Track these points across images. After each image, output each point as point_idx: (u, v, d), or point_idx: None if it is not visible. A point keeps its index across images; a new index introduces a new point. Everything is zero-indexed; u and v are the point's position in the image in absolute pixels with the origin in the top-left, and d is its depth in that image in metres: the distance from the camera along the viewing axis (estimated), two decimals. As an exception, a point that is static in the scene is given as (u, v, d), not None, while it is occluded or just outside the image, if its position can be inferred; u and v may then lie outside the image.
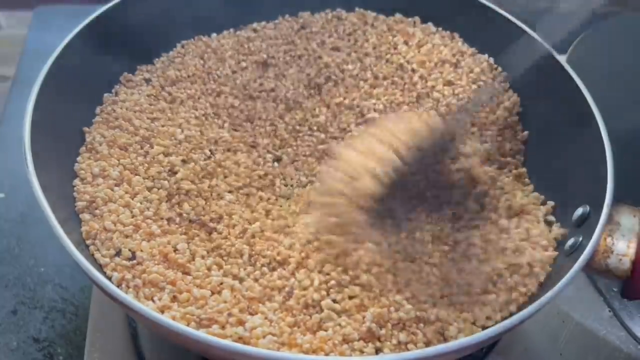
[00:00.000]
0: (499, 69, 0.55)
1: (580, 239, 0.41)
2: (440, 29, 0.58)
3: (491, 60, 0.56)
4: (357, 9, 0.61)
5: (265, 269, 0.41)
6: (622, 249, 0.41)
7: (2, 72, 0.96)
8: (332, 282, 0.39)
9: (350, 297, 0.39)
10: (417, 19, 0.59)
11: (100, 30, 0.50)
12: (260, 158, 0.49)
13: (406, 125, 0.41)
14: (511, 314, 0.39)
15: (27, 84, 0.43)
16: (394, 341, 0.37)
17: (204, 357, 0.42)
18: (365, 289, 0.39)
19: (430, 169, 0.42)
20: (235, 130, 0.50)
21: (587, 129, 0.46)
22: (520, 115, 0.52)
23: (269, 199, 0.46)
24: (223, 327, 0.37)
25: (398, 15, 0.60)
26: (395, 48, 0.57)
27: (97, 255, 0.40)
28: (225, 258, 0.41)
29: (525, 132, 0.50)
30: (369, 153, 0.40)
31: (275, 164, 0.48)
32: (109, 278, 0.39)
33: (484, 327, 0.38)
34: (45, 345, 0.50)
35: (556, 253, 0.42)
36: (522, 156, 0.50)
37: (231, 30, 0.59)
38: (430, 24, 0.59)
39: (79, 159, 0.45)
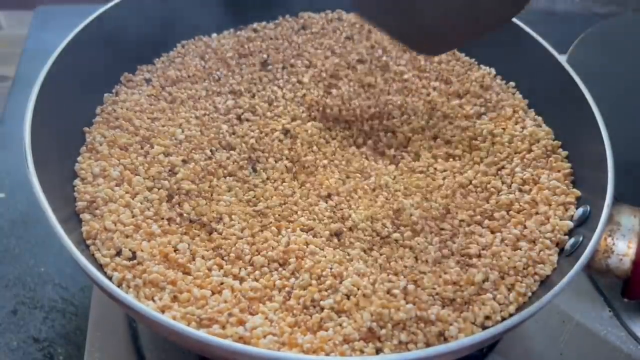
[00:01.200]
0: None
1: (581, 239, 0.41)
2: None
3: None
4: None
5: (265, 269, 0.41)
6: (622, 249, 0.41)
7: (2, 72, 0.96)
8: (328, 282, 0.39)
9: (348, 296, 0.39)
10: None
11: (100, 30, 0.50)
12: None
13: None
14: (511, 314, 0.39)
15: (27, 84, 0.43)
16: (395, 341, 0.37)
17: (204, 357, 0.42)
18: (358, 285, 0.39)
19: None
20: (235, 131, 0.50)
21: (587, 128, 0.46)
22: (521, 115, 0.52)
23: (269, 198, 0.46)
24: (223, 327, 0.37)
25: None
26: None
27: (98, 255, 0.40)
28: (225, 258, 0.41)
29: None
30: None
31: (278, 164, 0.48)
32: (110, 278, 0.39)
33: (484, 327, 0.38)
34: (45, 345, 0.50)
35: None
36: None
37: (231, 30, 0.59)
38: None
39: (79, 159, 0.45)
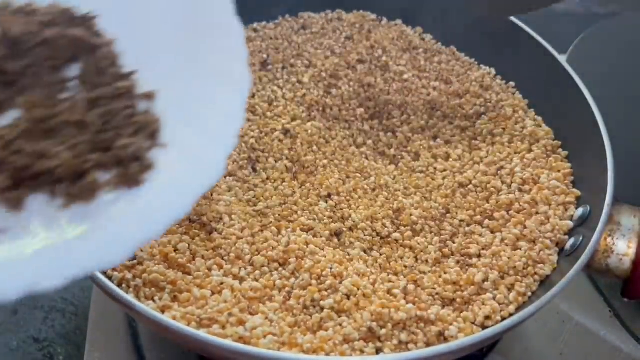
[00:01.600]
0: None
1: (581, 239, 0.41)
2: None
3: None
4: (355, 10, 0.61)
5: (265, 268, 0.41)
6: (622, 248, 0.41)
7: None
8: (328, 282, 0.39)
9: (348, 296, 0.39)
10: (418, 29, 0.60)
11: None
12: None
13: None
14: (511, 314, 0.39)
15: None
16: (395, 341, 0.37)
17: (204, 357, 0.42)
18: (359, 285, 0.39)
19: None
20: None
21: (587, 128, 0.46)
22: (521, 115, 0.52)
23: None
24: (223, 327, 0.37)
25: (398, 22, 0.60)
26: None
27: (98, 255, 0.40)
28: (225, 258, 0.41)
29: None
30: None
31: (278, 163, 0.48)
32: (110, 278, 0.39)
33: (484, 327, 0.38)
34: (45, 345, 0.50)
35: None
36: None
37: (231, 30, 0.59)
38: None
39: (79, 159, 0.45)
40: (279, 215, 0.44)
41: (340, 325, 0.37)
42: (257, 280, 0.40)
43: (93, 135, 0.28)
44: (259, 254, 0.41)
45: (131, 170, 0.28)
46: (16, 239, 0.27)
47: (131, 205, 0.28)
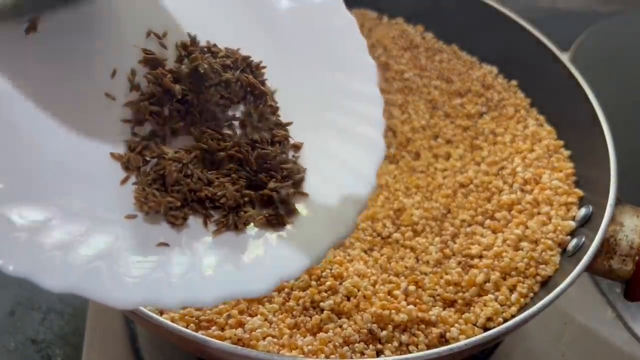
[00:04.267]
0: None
1: (583, 239, 0.41)
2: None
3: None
4: (355, 8, 0.61)
5: (264, 269, 0.40)
6: (625, 249, 0.41)
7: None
8: (328, 283, 0.39)
9: (348, 298, 0.38)
10: (419, 28, 0.59)
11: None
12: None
13: None
14: (513, 315, 0.39)
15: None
16: (395, 343, 0.37)
17: (202, 359, 0.42)
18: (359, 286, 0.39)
19: None
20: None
21: (590, 128, 0.46)
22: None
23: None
24: (222, 329, 0.36)
25: (399, 20, 0.60)
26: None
27: (95, 256, 0.40)
28: (224, 259, 0.41)
29: None
30: None
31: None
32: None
33: (485, 329, 0.38)
34: (43, 347, 0.49)
35: None
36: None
37: (231, 29, 0.58)
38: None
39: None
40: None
41: (341, 327, 0.37)
42: (256, 281, 0.39)
43: (249, 173, 0.31)
44: (258, 254, 0.41)
45: (280, 212, 0.31)
46: (175, 254, 0.29)
47: (269, 245, 0.30)
